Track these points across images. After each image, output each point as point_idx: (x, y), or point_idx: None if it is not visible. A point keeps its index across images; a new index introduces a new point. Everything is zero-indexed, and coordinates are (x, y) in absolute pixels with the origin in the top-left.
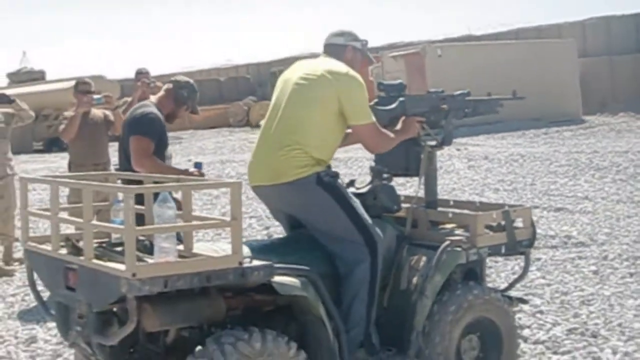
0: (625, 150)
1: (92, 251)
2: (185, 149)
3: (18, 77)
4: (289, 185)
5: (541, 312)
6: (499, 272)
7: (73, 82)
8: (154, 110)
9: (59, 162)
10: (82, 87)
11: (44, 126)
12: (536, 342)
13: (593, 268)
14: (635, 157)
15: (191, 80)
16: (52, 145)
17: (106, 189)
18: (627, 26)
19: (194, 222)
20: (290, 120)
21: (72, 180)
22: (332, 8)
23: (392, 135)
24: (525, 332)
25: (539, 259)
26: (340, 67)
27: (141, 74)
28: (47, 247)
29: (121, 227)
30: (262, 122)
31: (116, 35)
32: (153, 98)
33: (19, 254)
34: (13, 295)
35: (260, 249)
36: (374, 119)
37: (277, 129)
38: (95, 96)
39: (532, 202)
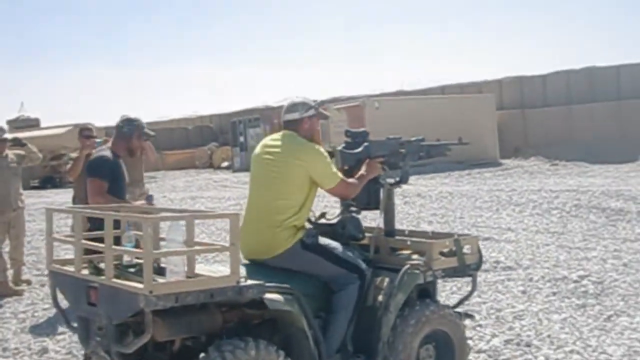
0: (538, 189)
1: (112, 271)
2: (159, 186)
3: (16, 124)
4: (279, 256)
5: (480, 325)
6: (440, 292)
7: (64, 129)
8: (105, 153)
9: (52, 197)
10: (85, 132)
11: (40, 166)
12: (479, 352)
13: (521, 288)
14: (547, 195)
15: (130, 115)
16: (47, 182)
17: (125, 218)
18: (536, 84)
19: (199, 247)
20: (273, 201)
21: (95, 211)
22: (284, 66)
23: (356, 182)
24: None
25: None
26: (303, 146)
27: (87, 129)
28: (71, 268)
29: (140, 251)
30: (248, 197)
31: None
32: (108, 143)
33: (26, 276)
34: (24, 312)
35: (253, 271)
36: (340, 176)
37: (262, 208)
38: (97, 140)
39: (463, 232)
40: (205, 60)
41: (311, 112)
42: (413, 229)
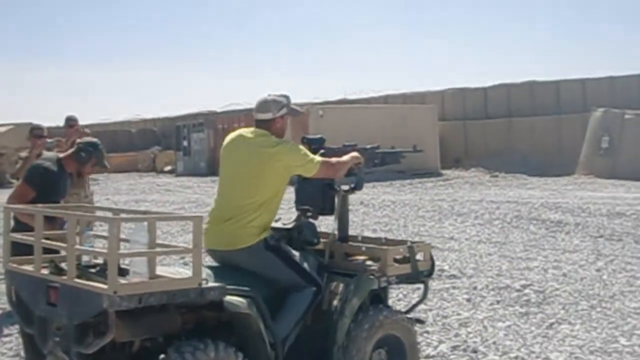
0: (479, 200)
1: (75, 271)
2: (102, 189)
3: None
4: (242, 251)
5: (427, 332)
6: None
7: (4, 128)
8: (47, 164)
9: None
10: (36, 132)
11: None
12: (427, 357)
13: (466, 296)
14: (488, 206)
15: (95, 141)
16: None
17: (91, 219)
18: (478, 97)
19: (163, 249)
20: (244, 198)
21: (57, 210)
22: (229, 72)
23: (340, 160)
24: None
25: (418, 289)
26: (278, 145)
27: (38, 129)
28: (29, 267)
29: (105, 251)
30: (217, 191)
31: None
32: (62, 154)
33: None
34: None
35: (214, 273)
36: (319, 159)
37: (232, 204)
38: (48, 140)
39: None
40: (150, 63)
41: (283, 110)
42: (366, 235)
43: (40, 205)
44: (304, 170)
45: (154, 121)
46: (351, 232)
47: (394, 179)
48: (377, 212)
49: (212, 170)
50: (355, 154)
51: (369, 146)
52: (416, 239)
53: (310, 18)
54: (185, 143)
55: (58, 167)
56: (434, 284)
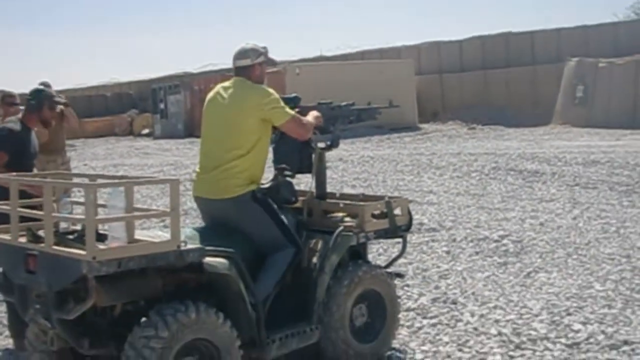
0: (458, 152)
1: (53, 238)
2: (80, 155)
3: None
4: (229, 200)
5: (408, 285)
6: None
7: None
8: (10, 125)
9: None
10: (7, 100)
11: None
12: (408, 310)
13: (445, 249)
14: (466, 158)
15: (39, 86)
16: None
17: (67, 185)
18: (453, 50)
19: (140, 213)
20: (226, 145)
21: (32, 179)
22: (204, 32)
23: (309, 119)
24: None
25: (398, 243)
26: (255, 89)
27: (10, 96)
28: (6, 236)
29: (82, 217)
30: (201, 142)
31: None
32: (20, 115)
33: None
34: None
35: (193, 235)
36: (292, 112)
37: (217, 153)
38: (21, 107)
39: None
40: (123, 26)
41: (262, 58)
42: (344, 192)
43: (14, 174)
44: (274, 114)
45: (130, 84)
46: (330, 188)
47: (372, 135)
48: (355, 168)
49: (189, 132)
50: (315, 113)
51: (344, 103)
52: (395, 193)
53: None
54: (162, 106)
55: (22, 126)
56: (413, 237)
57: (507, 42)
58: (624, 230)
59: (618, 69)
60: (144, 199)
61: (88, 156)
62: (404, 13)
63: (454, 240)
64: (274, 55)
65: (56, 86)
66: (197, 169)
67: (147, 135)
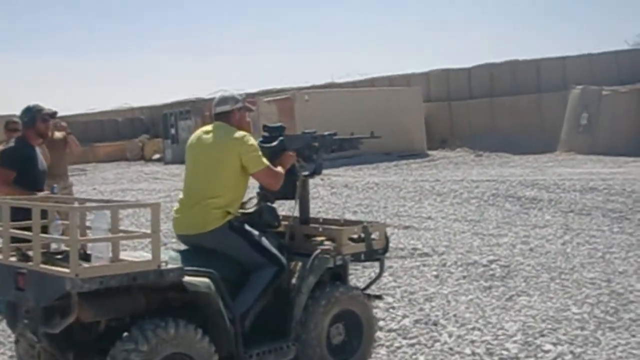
0: (461, 179)
1: (40, 258)
2: (90, 179)
3: None
4: (208, 233)
5: (393, 307)
6: (359, 277)
7: None
8: (12, 144)
9: None
10: (11, 126)
11: None
12: (389, 331)
13: (434, 273)
14: (468, 185)
15: (29, 105)
16: None
17: (53, 208)
18: (462, 77)
19: (123, 235)
20: (206, 184)
21: (24, 202)
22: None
23: (281, 170)
24: (381, 323)
25: (390, 267)
26: (234, 134)
27: (13, 122)
28: None
29: (67, 238)
30: (184, 181)
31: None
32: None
33: None
34: None
35: (177, 257)
36: (266, 163)
37: (196, 191)
38: None
39: (385, 221)
40: (135, 51)
41: (239, 104)
42: (327, 217)
43: (6, 197)
44: (249, 164)
45: (141, 109)
46: (332, 214)
47: (381, 161)
48: (359, 194)
49: None
50: (286, 158)
51: (326, 133)
52: (395, 219)
53: (297, 1)
54: (172, 131)
55: (23, 143)
56: (405, 262)
57: (513, 70)
58: (609, 256)
59: (621, 97)
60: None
61: (98, 180)
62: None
63: (444, 264)
64: (285, 82)
65: (68, 111)
66: (176, 207)
67: (158, 160)
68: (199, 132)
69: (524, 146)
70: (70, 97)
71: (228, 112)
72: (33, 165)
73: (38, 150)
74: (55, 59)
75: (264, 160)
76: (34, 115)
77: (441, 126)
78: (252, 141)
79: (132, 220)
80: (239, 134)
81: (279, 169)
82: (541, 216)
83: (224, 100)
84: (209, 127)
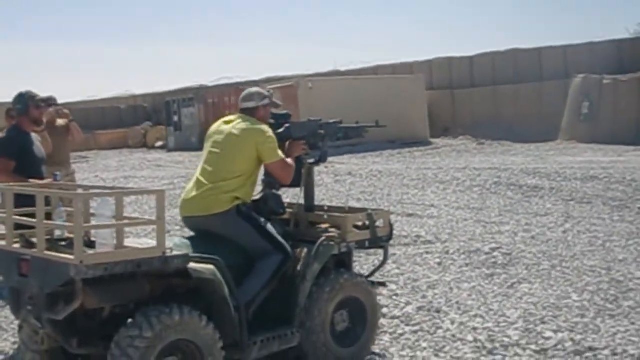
0: (464, 167)
1: (44, 244)
2: (92, 167)
3: None
4: (215, 216)
5: (396, 294)
6: (362, 264)
7: None
8: (8, 133)
9: None
10: (12, 113)
11: None
12: (392, 318)
13: (437, 260)
14: (471, 173)
15: (21, 91)
16: None
17: (58, 195)
18: (465, 65)
19: (127, 221)
20: (219, 168)
21: (27, 188)
22: (219, 45)
23: (291, 162)
24: (384, 310)
25: (394, 255)
26: (257, 126)
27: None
28: (2, 242)
29: (71, 224)
30: (199, 166)
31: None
32: (13, 121)
33: None
34: None
35: (182, 244)
36: (282, 155)
37: (209, 175)
38: None
39: (388, 209)
40: (138, 38)
41: (266, 101)
42: (332, 204)
43: (10, 184)
44: (266, 150)
45: (144, 97)
46: (336, 201)
47: (384, 149)
48: (363, 182)
49: (203, 144)
50: (295, 147)
51: (332, 121)
52: (398, 207)
53: None
54: (175, 118)
55: (18, 131)
56: (409, 250)
57: (515, 58)
58: (609, 244)
59: (622, 85)
60: (151, 210)
61: (100, 168)
62: (417, 29)
63: (447, 252)
64: (288, 70)
65: (69, 98)
66: (186, 190)
67: (160, 147)
68: (219, 122)
69: (526, 134)
70: (72, 84)
71: (253, 109)
72: (29, 152)
73: (35, 137)
74: (57, 44)
75: (280, 153)
76: (26, 102)
77: (444, 114)
78: (271, 134)
79: (135, 207)
80: (260, 125)
81: (289, 160)
82: (542, 204)
83: (250, 96)
84: (231, 117)
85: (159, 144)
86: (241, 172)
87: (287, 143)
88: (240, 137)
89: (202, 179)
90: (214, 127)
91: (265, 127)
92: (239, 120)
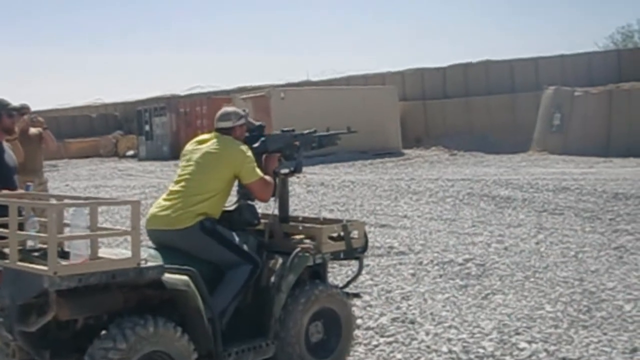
0: (436, 178)
1: (17, 255)
2: (62, 175)
3: None
4: (177, 232)
5: (370, 305)
6: (336, 275)
7: None
8: None
9: None
10: None
11: None
12: (367, 329)
13: (411, 271)
14: (443, 184)
15: None
16: None
17: (31, 205)
18: (437, 76)
19: (102, 232)
20: (191, 183)
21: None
22: (191, 54)
23: (270, 180)
24: (358, 322)
25: (367, 265)
26: (233, 143)
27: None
28: None
29: (45, 235)
30: (174, 182)
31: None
32: None
33: None
34: None
35: (156, 255)
36: (260, 174)
37: (179, 189)
38: None
39: (360, 219)
40: (110, 46)
41: (242, 120)
42: (306, 215)
43: None
44: (244, 175)
45: (115, 106)
46: (309, 212)
47: (356, 160)
48: (336, 192)
49: (174, 154)
50: (271, 161)
51: (306, 131)
52: (371, 217)
53: None
54: (147, 127)
55: None
56: (382, 260)
57: (487, 70)
58: (581, 255)
59: (593, 98)
60: (122, 220)
61: (70, 177)
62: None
63: (421, 263)
64: (260, 79)
65: (40, 106)
66: (156, 203)
67: (132, 156)
68: (193, 141)
69: (498, 146)
70: (41, 91)
71: (230, 128)
72: (0, 161)
73: (6, 145)
74: (26, 49)
75: (259, 171)
76: None
77: (416, 125)
78: (249, 153)
79: (106, 217)
80: (238, 145)
81: (268, 178)
82: (515, 215)
83: (226, 115)
84: (205, 136)
85: (130, 153)
86: (215, 190)
87: (264, 157)
88: (218, 156)
89: (172, 195)
90: (189, 146)
91: (244, 147)
92: (215, 140)
